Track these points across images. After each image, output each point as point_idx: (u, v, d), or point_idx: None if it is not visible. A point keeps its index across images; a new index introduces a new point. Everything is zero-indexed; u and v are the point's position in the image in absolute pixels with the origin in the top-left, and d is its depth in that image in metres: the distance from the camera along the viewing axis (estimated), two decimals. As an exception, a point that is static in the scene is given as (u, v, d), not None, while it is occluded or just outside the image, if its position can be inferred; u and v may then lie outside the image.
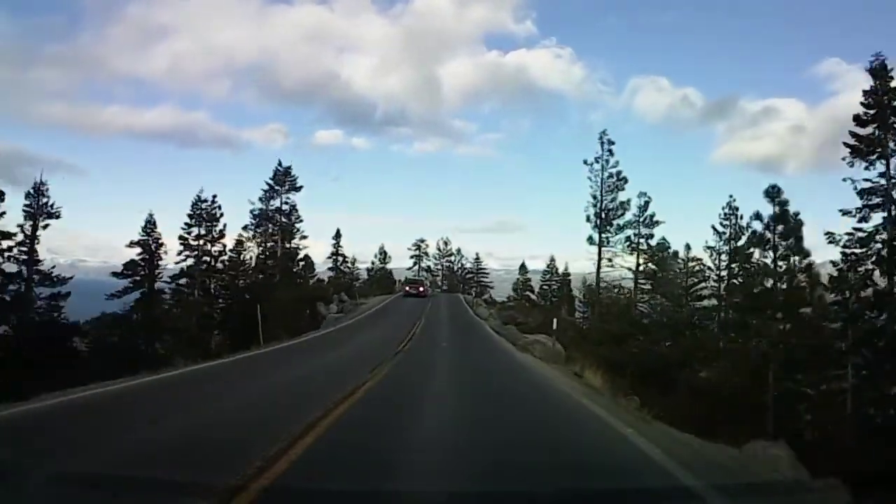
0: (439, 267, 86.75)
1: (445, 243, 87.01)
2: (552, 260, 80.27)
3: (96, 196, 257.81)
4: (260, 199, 49.41)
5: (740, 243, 37.42)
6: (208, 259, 41.50)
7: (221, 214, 42.54)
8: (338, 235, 70.82)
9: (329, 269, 68.63)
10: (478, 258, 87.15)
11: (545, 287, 78.54)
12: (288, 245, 48.88)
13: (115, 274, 37.95)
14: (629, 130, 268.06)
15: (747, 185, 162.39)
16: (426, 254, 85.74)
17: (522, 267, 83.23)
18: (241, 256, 45.97)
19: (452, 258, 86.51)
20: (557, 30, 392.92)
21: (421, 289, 51.58)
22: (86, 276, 45.90)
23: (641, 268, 45.54)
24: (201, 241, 41.43)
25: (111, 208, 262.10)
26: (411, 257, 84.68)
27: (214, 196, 42.70)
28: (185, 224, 41.74)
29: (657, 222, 46.54)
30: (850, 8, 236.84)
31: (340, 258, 70.69)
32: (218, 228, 42.08)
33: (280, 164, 50.69)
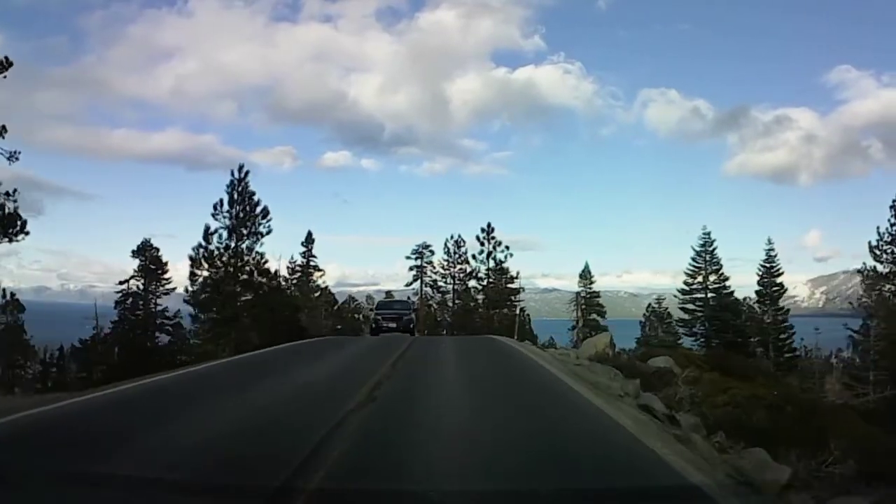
0: (448, 281, 54.33)
1: (458, 245, 53.83)
2: (706, 248, 47.38)
3: (110, 221, 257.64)
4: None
5: None
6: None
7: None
8: (309, 241, 50.28)
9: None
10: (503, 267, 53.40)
11: (688, 308, 48.51)
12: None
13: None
14: (641, 144, 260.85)
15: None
16: (430, 263, 54.71)
17: (585, 273, 54.70)
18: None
19: (471, 264, 52.86)
20: (566, 45, 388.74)
21: None
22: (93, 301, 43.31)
23: None
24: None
25: (122, 233, 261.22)
26: (410, 269, 54.67)
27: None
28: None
29: None
30: (858, 15, 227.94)
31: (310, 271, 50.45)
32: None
33: None
